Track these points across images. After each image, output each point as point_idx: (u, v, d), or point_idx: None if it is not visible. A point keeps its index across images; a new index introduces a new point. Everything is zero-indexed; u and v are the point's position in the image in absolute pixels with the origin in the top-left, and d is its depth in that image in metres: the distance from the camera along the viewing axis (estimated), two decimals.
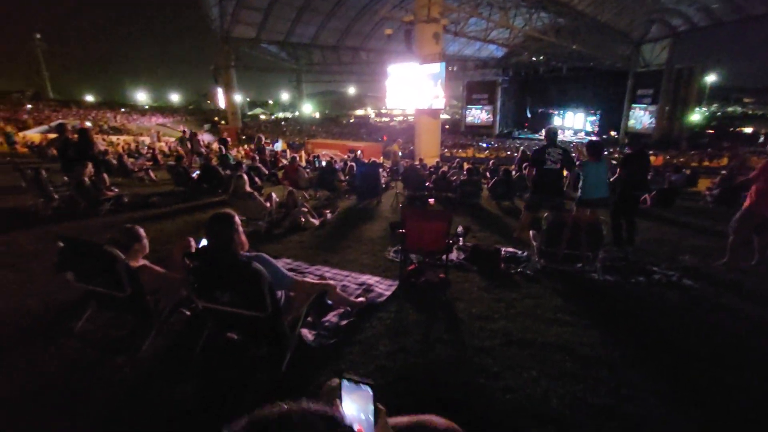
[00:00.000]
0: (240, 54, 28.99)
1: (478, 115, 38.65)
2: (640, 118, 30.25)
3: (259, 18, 25.81)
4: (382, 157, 18.87)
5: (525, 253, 4.56)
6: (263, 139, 13.38)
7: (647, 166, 5.30)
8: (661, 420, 1.99)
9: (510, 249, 4.82)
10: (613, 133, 31.96)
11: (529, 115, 38.67)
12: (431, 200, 8.18)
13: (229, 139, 17.29)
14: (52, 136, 13.28)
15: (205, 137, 22.33)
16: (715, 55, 25.78)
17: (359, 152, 16.52)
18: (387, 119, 55.88)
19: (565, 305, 3.33)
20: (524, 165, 7.29)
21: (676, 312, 3.34)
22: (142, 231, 2.72)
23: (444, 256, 3.74)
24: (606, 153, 22.60)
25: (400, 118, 50.25)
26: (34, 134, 22.34)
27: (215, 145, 16.92)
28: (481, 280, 3.90)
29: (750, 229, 4.28)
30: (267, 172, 10.61)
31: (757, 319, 3.21)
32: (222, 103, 31.60)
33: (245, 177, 5.59)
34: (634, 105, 30.64)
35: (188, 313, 2.86)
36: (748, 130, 39.10)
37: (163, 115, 38.41)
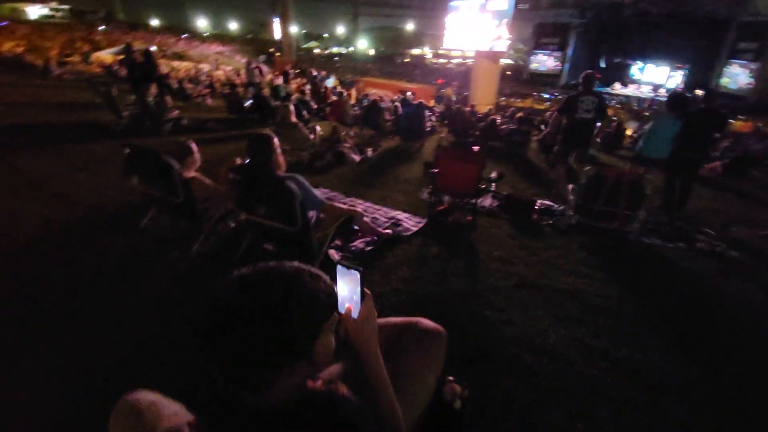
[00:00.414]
0: None
1: (544, 61, 35.26)
2: (737, 76, 26.18)
3: None
4: (432, 101, 18.22)
5: (561, 207, 4.47)
6: (314, 73, 13.32)
7: (717, 127, 4.62)
8: (652, 367, 2.07)
9: (546, 201, 4.74)
10: (698, 92, 28.19)
11: (603, 65, 34.77)
12: (475, 147, 7.97)
13: (290, 71, 17.31)
14: (121, 57, 14.09)
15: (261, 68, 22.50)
16: None
17: (409, 94, 16.05)
18: (444, 61, 52.77)
19: (589, 259, 3.33)
20: (553, 114, 6.74)
21: (705, 280, 3.23)
22: (194, 145, 3.00)
23: (474, 199, 3.78)
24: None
25: (458, 61, 47.19)
26: (106, 55, 23.64)
27: (269, 77, 17.13)
28: (510, 227, 3.93)
29: None
30: (315, 106, 10.73)
31: None
32: (278, 34, 31.23)
33: (291, 107, 5.75)
34: (731, 60, 26.44)
35: (232, 224, 3.21)
36: None
37: (222, 44, 38.80)
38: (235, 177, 2.48)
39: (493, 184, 4.61)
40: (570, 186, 4.21)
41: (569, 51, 33.89)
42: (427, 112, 9.24)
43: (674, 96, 4.58)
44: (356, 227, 3.02)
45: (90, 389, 1.64)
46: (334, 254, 3.00)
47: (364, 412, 0.88)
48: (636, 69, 32.30)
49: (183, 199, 2.75)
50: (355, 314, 0.94)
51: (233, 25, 59.64)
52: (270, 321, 0.67)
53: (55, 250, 2.82)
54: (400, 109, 8.71)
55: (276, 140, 2.44)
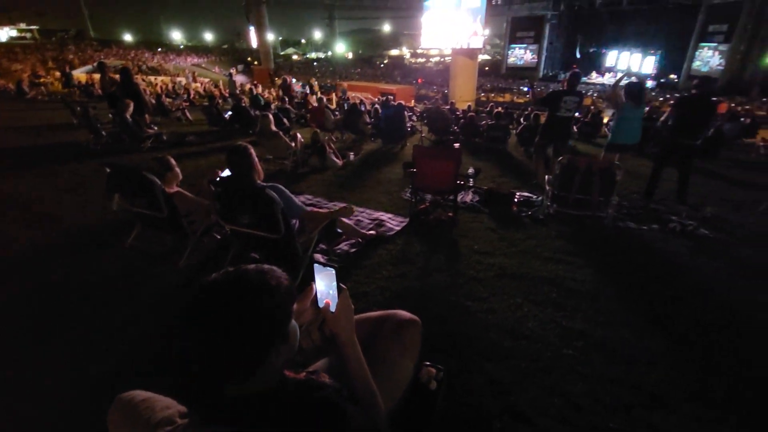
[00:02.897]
0: None
1: (521, 55, 35.81)
2: (708, 59, 26.87)
3: None
4: (413, 101, 18.39)
5: (539, 198, 4.62)
6: (288, 80, 13.37)
7: (707, 113, 4.56)
8: (625, 343, 2.19)
9: (525, 193, 4.89)
10: (673, 76, 28.95)
11: (578, 56, 35.44)
12: (456, 144, 8.12)
13: (257, 82, 17.38)
14: (97, 75, 13.95)
15: (238, 78, 22.44)
16: None
17: (391, 97, 16.18)
18: (423, 60, 53.15)
19: (567, 246, 3.47)
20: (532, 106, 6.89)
21: (676, 258, 3.39)
22: (173, 161, 3.06)
23: (454, 196, 3.89)
24: (663, 98, 20.78)
25: (437, 59, 47.61)
26: (80, 74, 23.30)
27: (247, 87, 17.10)
28: (491, 221, 4.05)
29: None
30: (295, 113, 10.77)
31: (757, 268, 3.21)
32: (254, 42, 31.14)
33: (270, 116, 5.80)
34: (702, 44, 27.14)
35: (218, 236, 3.27)
36: None
37: (198, 55, 38.49)
38: (217, 189, 2.54)
39: (471, 179, 4.73)
40: (546, 177, 4.36)
41: (545, 43, 34.43)
42: (408, 113, 9.37)
43: (633, 87, 4.76)
44: (339, 230, 3.10)
45: (81, 404, 1.70)
46: (318, 258, 3.08)
47: (343, 393, 0.97)
48: (611, 57, 32.96)
49: (167, 215, 2.81)
50: (333, 308, 1.02)
51: (209, 36, 59.20)
52: (243, 314, 0.75)
53: (44, 270, 2.85)
54: (381, 112, 8.81)
55: (251, 150, 2.51)
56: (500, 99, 24.72)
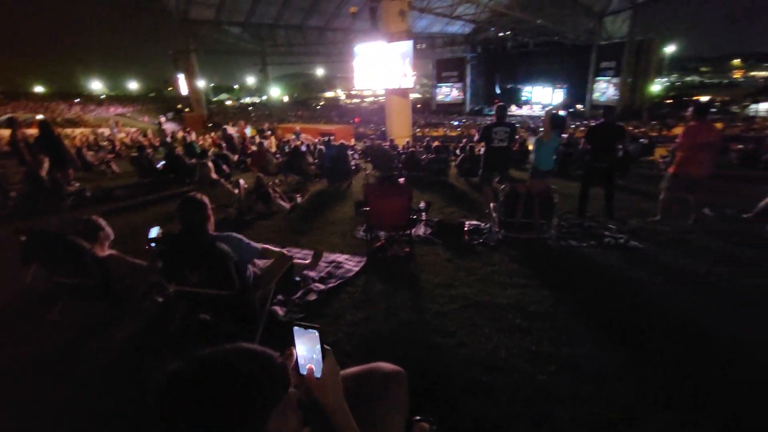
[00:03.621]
0: (200, 37, 27.72)
1: (448, 92, 38.72)
2: (604, 90, 31.16)
3: None
4: (353, 140, 18.81)
5: (488, 225, 4.82)
6: (228, 128, 13.09)
7: (614, 137, 5.15)
8: (590, 359, 2.27)
9: (474, 222, 5.07)
10: (579, 106, 32.81)
11: (498, 92, 39.00)
12: (401, 179, 8.33)
13: (190, 129, 16.84)
14: (5, 131, 12.57)
15: (168, 126, 21.51)
16: (674, 26, 26.58)
17: (332, 137, 16.42)
18: (357, 100, 55.17)
19: (521, 270, 3.60)
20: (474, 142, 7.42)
21: (616, 270, 3.66)
22: (101, 220, 2.76)
23: (408, 231, 3.92)
24: (573, 126, 23.27)
25: (371, 99, 49.69)
26: None
27: (180, 134, 16.44)
28: (446, 252, 4.12)
29: (680, 189, 4.76)
30: (235, 159, 10.47)
31: (687, 273, 3.56)
32: (184, 89, 30.35)
33: (210, 164, 5.56)
34: (598, 78, 31.45)
35: (160, 299, 2.95)
36: (705, 98, 40.87)
37: (122, 105, 36.58)
38: (160, 247, 2.32)
39: (424, 213, 4.83)
40: (492, 204, 4.57)
41: (468, 81, 37.68)
42: (350, 151, 9.51)
43: (557, 118, 5.28)
44: (297, 278, 2.96)
45: None
46: (278, 310, 2.89)
47: None
48: (526, 92, 36.75)
49: (99, 281, 2.49)
50: (318, 374, 0.93)
51: (133, 85, 56.79)
52: (205, 421, 0.64)
53: None
54: (324, 152, 8.85)
55: (207, 200, 2.35)
56: (435, 133, 26.12)
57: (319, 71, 61.03)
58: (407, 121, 18.36)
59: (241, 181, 5.91)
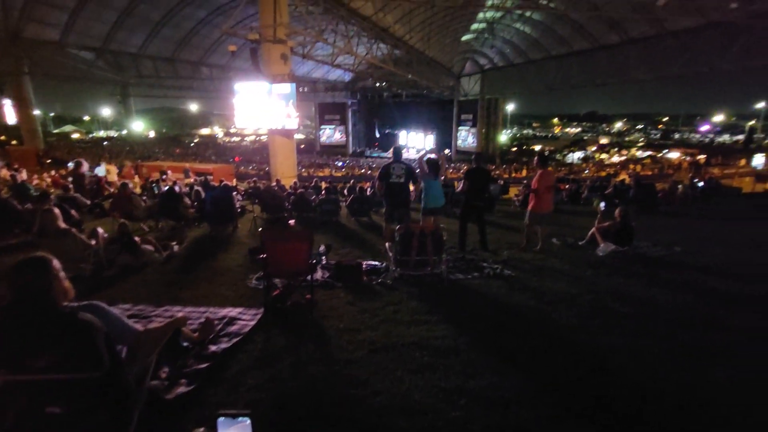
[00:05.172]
0: (38, 59, 23.38)
1: (331, 135, 40.12)
2: (466, 138, 36.51)
3: (63, 18, 21.30)
4: (234, 180, 17.77)
5: (384, 264, 4.95)
6: (82, 164, 11.06)
7: (486, 179, 6.18)
8: (493, 387, 2.44)
9: (371, 262, 5.16)
10: (447, 150, 37.36)
11: (378, 135, 41.97)
12: (291, 221, 8.10)
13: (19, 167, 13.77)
14: None
15: None
16: (512, 89, 33.01)
17: (210, 177, 15.19)
18: (238, 139, 52.83)
19: (420, 306, 3.76)
20: (374, 181, 7.83)
21: (500, 298, 4.10)
22: None
23: (309, 276, 3.77)
24: (447, 166, 26.21)
25: (252, 138, 48.14)
26: None
27: (4, 173, 13.24)
28: (346, 294, 4.07)
29: (535, 223, 5.87)
30: (88, 202, 8.83)
31: (551, 294, 4.19)
32: (12, 118, 24.89)
33: (55, 210, 4.57)
34: (460, 127, 36.82)
35: None
36: (537, 147, 50.81)
37: None
38: None
39: (323, 257, 4.74)
40: (387, 244, 4.74)
41: (349, 125, 39.80)
42: (233, 192, 8.91)
43: (430, 162, 5.90)
44: (186, 344, 2.54)
45: None
46: (158, 386, 2.41)
47: None
48: (403, 137, 40.44)
49: None
50: None
51: None
52: None
53: None
54: (203, 193, 8.10)
55: (56, 263, 1.88)
56: (321, 173, 26.45)
57: (193, 107, 57.02)
58: (292, 162, 18.20)
59: (99, 230, 4.97)
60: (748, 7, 16.24)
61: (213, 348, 2.87)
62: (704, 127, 70.96)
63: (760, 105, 47.66)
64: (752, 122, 55.71)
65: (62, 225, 4.43)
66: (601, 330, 3.29)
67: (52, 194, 8.38)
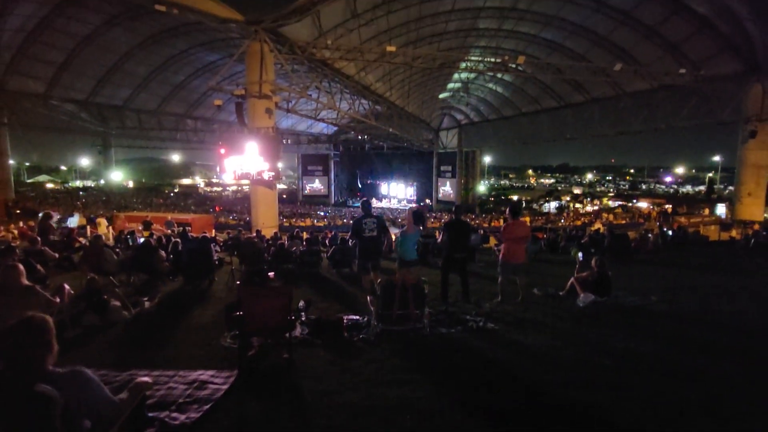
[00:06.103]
0: (19, 110, 23.38)
1: (314, 185, 40.67)
2: (446, 188, 37.58)
3: (50, 72, 21.72)
4: (213, 230, 17.50)
5: (366, 319, 4.83)
6: (51, 215, 10.74)
7: (466, 231, 6.14)
8: None
9: (352, 316, 5.02)
10: (427, 200, 38.25)
11: (360, 185, 42.79)
12: (271, 274, 7.91)
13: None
14: None
15: None
16: (488, 142, 34.87)
17: (188, 227, 14.93)
18: (219, 189, 52.78)
19: (402, 364, 3.63)
20: (349, 236, 7.85)
21: (483, 352, 4.02)
22: None
23: (287, 334, 3.63)
24: (427, 215, 26.63)
25: (234, 188, 48.17)
26: None
27: None
28: (327, 353, 3.91)
29: (509, 273, 5.75)
30: (56, 256, 8.45)
31: (534, 348, 4.13)
32: None
33: (19, 266, 4.34)
34: (439, 178, 38.03)
35: None
36: (515, 197, 52.64)
37: None
38: None
39: (303, 313, 4.61)
40: (369, 298, 4.66)
41: (332, 175, 40.62)
42: (212, 245, 8.74)
43: (414, 213, 6.00)
44: (151, 414, 2.35)
45: None
46: None
47: None
48: (384, 187, 41.39)
49: None
50: None
51: None
52: None
53: None
54: (180, 246, 7.91)
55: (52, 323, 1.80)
56: (302, 223, 26.34)
57: (176, 157, 57.26)
58: (274, 212, 18.17)
59: (66, 286, 4.73)
60: (695, 73, 18.09)
61: (182, 418, 2.66)
62: (668, 178, 75.86)
63: (716, 158, 51.59)
64: (711, 174, 60.20)
65: (24, 282, 4.18)
66: (585, 384, 3.24)
67: (17, 247, 8.03)
